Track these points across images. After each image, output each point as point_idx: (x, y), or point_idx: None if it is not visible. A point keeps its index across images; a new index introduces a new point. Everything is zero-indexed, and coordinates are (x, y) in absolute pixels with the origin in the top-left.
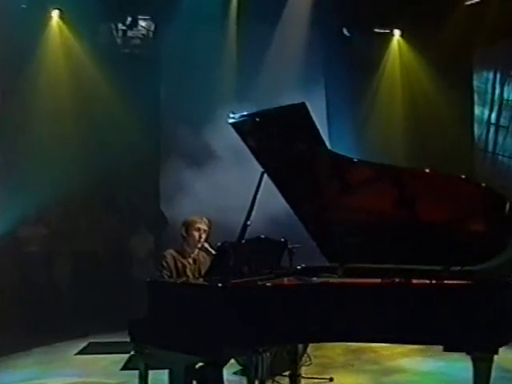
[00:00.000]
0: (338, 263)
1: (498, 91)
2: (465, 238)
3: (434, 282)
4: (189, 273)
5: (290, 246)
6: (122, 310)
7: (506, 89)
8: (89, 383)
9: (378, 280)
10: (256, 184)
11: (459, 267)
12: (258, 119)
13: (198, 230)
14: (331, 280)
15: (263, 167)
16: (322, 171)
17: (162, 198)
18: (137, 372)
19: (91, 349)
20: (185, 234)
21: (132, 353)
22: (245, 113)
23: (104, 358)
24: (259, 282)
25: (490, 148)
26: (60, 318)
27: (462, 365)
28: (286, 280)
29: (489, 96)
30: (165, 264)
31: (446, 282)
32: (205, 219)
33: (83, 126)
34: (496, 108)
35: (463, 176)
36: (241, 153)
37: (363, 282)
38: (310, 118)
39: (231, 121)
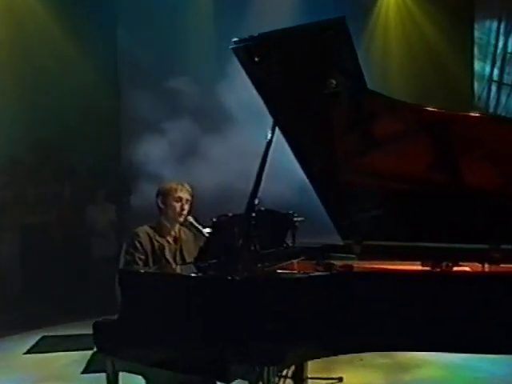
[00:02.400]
0: (355, 240)
1: (501, 43)
2: None
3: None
4: (168, 255)
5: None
6: (81, 295)
7: (510, 40)
8: None
9: (420, 265)
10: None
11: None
12: (274, 41)
13: (179, 199)
14: (384, 266)
15: (273, 114)
16: (347, 118)
17: (123, 160)
18: (103, 375)
19: (45, 345)
20: (162, 206)
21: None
22: (253, 35)
23: (61, 357)
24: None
25: (492, 108)
26: (5, 307)
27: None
28: (295, 263)
29: (491, 49)
30: (138, 244)
31: None
32: (186, 185)
33: (25, 77)
34: (498, 63)
35: None
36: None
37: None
38: (349, 39)
39: (235, 46)
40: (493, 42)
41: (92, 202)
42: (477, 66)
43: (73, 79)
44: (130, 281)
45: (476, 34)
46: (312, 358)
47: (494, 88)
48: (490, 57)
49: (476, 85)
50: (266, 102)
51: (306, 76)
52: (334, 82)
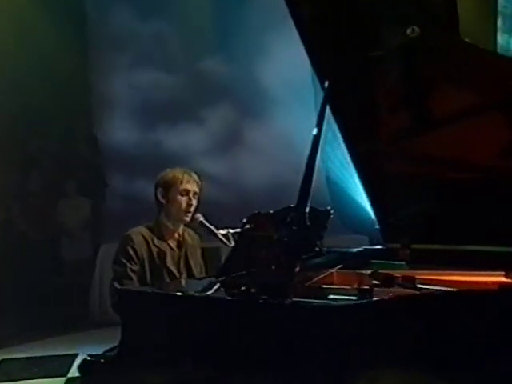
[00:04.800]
0: (402, 244)
1: None
2: None
3: None
4: (170, 264)
5: None
6: (48, 308)
7: None
8: None
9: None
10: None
11: None
12: None
13: (186, 192)
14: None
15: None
16: (405, 86)
17: (101, 149)
18: None
19: (4, 371)
20: (163, 200)
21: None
22: None
23: None
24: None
25: None
26: None
27: None
28: (334, 273)
29: None
30: (131, 251)
31: None
32: (193, 174)
33: None
34: None
35: None
36: None
37: None
38: None
39: None
40: None
41: (62, 195)
42: (500, 39)
43: (34, 51)
44: (134, 304)
45: (500, 2)
46: None
47: None
48: None
49: None
50: (314, 63)
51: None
52: (416, 29)
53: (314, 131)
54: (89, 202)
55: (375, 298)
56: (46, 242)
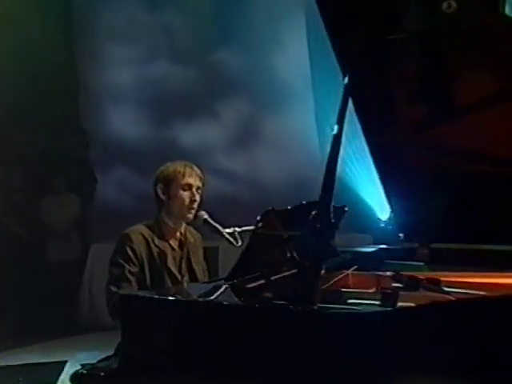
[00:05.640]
0: (421, 243)
1: None
2: None
3: None
4: (171, 265)
5: None
6: (34, 312)
7: None
8: None
9: None
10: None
11: None
12: None
13: (189, 187)
14: None
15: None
16: (430, 70)
17: (91, 142)
18: None
19: None
20: (163, 197)
21: None
22: None
23: None
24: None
25: None
26: None
27: None
28: (349, 274)
29: None
30: (129, 252)
31: None
32: (196, 168)
33: None
34: None
35: None
36: None
37: None
38: None
39: None
40: None
41: (49, 192)
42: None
43: (21, 43)
44: (137, 312)
45: None
46: None
47: None
48: None
49: None
50: (335, 45)
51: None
52: (453, 3)
53: (335, 129)
54: (78, 200)
55: (408, 304)
56: (32, 241)
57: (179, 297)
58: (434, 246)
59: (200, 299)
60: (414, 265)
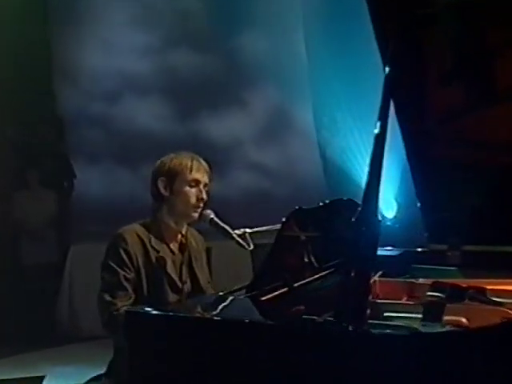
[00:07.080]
0: (451, 245)
1: None
2: None
3: None
4: (171, 270)
5: None
6: (11, 320)
7: None
8: None
9: None
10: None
11: None
12: None
13: (196, 183)
14: None
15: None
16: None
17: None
18: None
19: None
20: (165, 193)
21: None
22: None
23: None
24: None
25: None
26: None
27: None
28: (376, 281)
29: None
30: (123, 255)
31: None
32: (204, 162)
33: None
34: None
35: None
36: None
37: None
38: None
39: None
40: None
41: (21, 186)
42: None
43: None
44: (146, 330)
45: None
46: None
47: None
48: None
49: None
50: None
51: None
52: None
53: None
54: (54, 195)
55: (458, 318)
56: (3, 241)
57: (198, 314)
58: (465, 248)
59: (226, 317)
60: (443, 270)
